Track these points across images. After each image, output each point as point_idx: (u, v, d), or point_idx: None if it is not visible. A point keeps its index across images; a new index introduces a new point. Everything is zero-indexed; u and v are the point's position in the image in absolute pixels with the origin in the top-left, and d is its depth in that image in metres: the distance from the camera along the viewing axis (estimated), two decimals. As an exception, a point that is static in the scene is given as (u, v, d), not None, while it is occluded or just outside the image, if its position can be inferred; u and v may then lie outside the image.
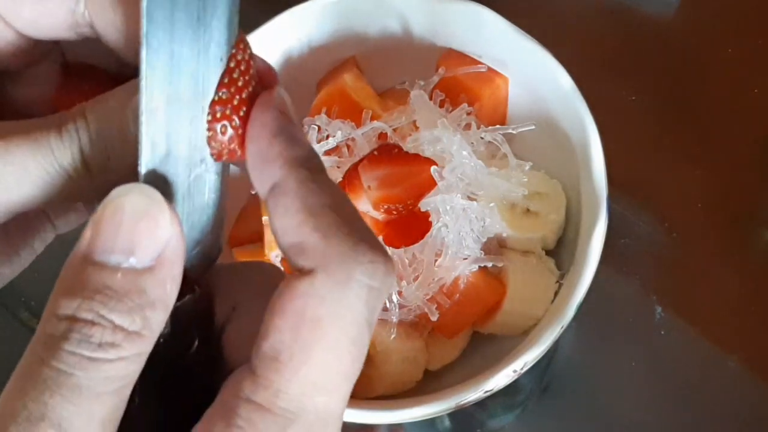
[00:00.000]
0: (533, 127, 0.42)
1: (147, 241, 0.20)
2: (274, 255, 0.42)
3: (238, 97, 0.21)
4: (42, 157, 0.24)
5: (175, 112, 0.21)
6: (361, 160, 0.39)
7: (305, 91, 0.48)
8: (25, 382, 0.18)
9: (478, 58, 0.46)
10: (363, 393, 0.42)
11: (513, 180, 0.42)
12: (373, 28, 0.47)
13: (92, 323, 0.19)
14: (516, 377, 0.38)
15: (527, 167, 0.42)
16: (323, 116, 0.44)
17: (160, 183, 0.21)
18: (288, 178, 0.20)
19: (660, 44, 0.56)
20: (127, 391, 0.19)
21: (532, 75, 0.44)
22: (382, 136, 0.43)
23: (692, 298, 0.50)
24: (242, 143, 0.21)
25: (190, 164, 0.21)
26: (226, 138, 0.21)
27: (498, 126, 0.43)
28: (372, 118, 0.43)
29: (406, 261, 0.40)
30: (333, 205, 0.20)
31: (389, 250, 0.40)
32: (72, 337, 0.18)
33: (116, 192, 0.20)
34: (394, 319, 0.40)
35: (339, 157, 0.43)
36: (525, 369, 0.38)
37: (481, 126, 0.44)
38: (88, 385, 0.18)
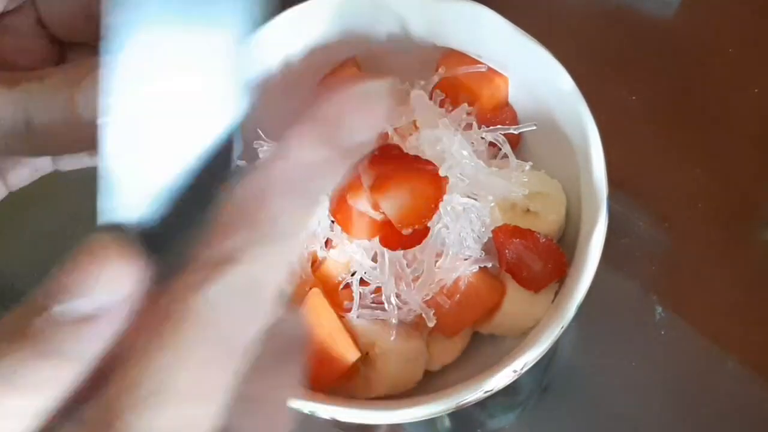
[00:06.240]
0: (534, 127, 0.42)
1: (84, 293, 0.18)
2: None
3: None
4: None
5: None
6: (361, 160, 0.39)
7: (305, 91, 0.48)
8: None
9: (478, 58, 0.46)
10: (363, 393, 0.42)
11: (513, 180, 0.42)
12: (373, 29, 0.47)
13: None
14: (516, 377, 0.38)
15: (527, 167, 0.42)
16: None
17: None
18: (271, 170, 0.19)
19: (660, 44, 0.56)
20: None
21: (532, 75, 0.44)
22: (382, 136, 0.43)
23: (692, 298, 0.50)
24: None
25: None
26: None
27: (498, 126, 0.43)
28: (372, 118, 0.43)
29: (405, 262, 0.40)
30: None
31: (386, 251, 0.40)
32: None
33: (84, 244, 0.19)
34: (394, 320, 0.40)
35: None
36: (525, 369, 0.38)
37: (482, 126, 0.44)
38: None
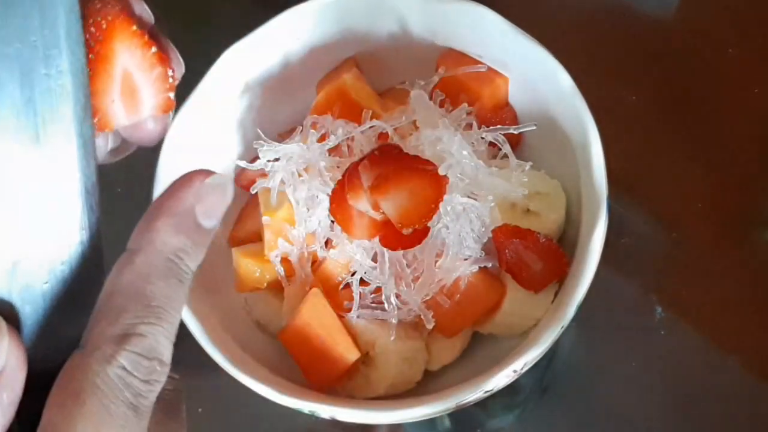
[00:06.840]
0: (534, 127, 0.42)
1: None
2: (273, 255, 0.42)
3: None
4: None
5: None
6: (361, 160, 0.39)
7: (305, 91, 0.48)
8: None
9: (478, 58, 0.46)
10: (363, 393, 0.42)
11: (513, 180, 0.42)
12: (373, 28, 0.47)
13: None
14: (516, 377, 0.38)
15: (527, 167, 0.42)
16: (324, 116, 0.44)
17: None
18: (147, 258, 0.24)
19: (660, 44, 0.56)
20: None
21: (532, 75, 0.44)
22: (382, 136, 0.43)
23: (692, 298, 0.49)
24: None
25: None
26: None
27: (498, 126, 0.43)
28: (372, 118, 0.43)
29: (405, 262, 0.40)
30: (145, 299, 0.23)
31: (386, 251, 0.40)
32: None
33: None
34: (394, 320, 0.40)
35: (339, 156, 0.43)
36: (525, 369, 0.38)
37: (482, 126, 0.44)
38: None
